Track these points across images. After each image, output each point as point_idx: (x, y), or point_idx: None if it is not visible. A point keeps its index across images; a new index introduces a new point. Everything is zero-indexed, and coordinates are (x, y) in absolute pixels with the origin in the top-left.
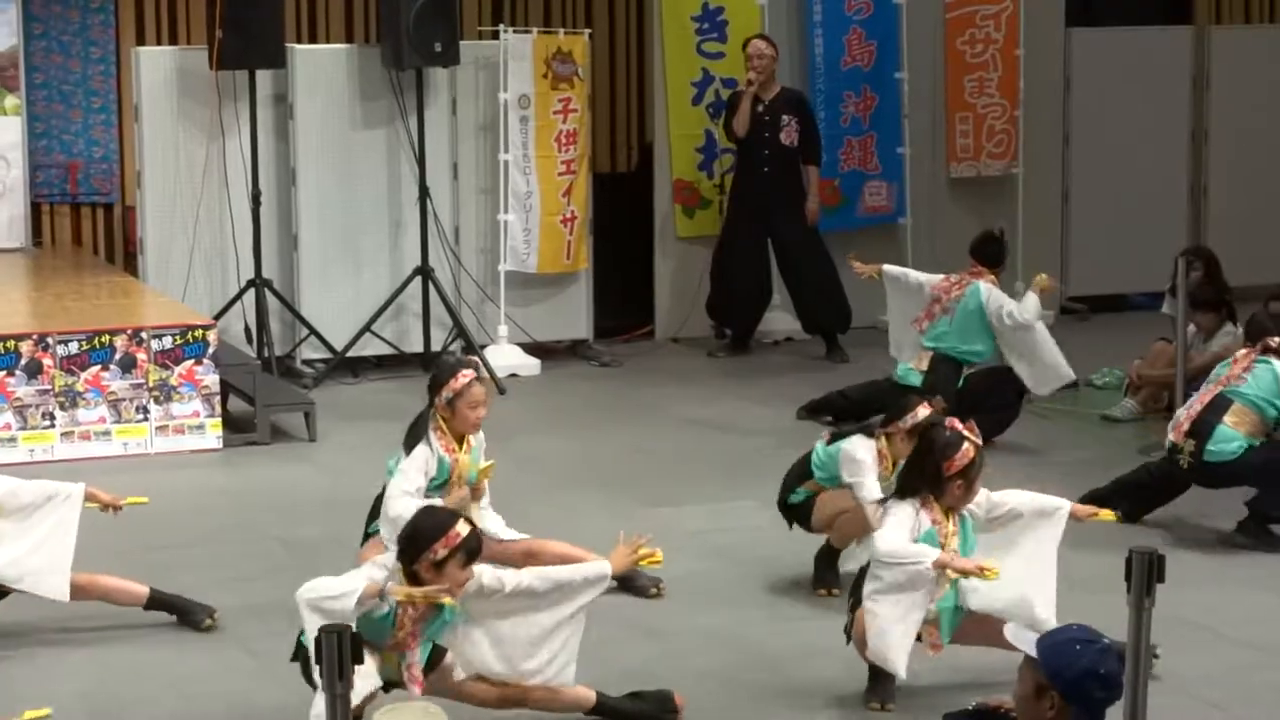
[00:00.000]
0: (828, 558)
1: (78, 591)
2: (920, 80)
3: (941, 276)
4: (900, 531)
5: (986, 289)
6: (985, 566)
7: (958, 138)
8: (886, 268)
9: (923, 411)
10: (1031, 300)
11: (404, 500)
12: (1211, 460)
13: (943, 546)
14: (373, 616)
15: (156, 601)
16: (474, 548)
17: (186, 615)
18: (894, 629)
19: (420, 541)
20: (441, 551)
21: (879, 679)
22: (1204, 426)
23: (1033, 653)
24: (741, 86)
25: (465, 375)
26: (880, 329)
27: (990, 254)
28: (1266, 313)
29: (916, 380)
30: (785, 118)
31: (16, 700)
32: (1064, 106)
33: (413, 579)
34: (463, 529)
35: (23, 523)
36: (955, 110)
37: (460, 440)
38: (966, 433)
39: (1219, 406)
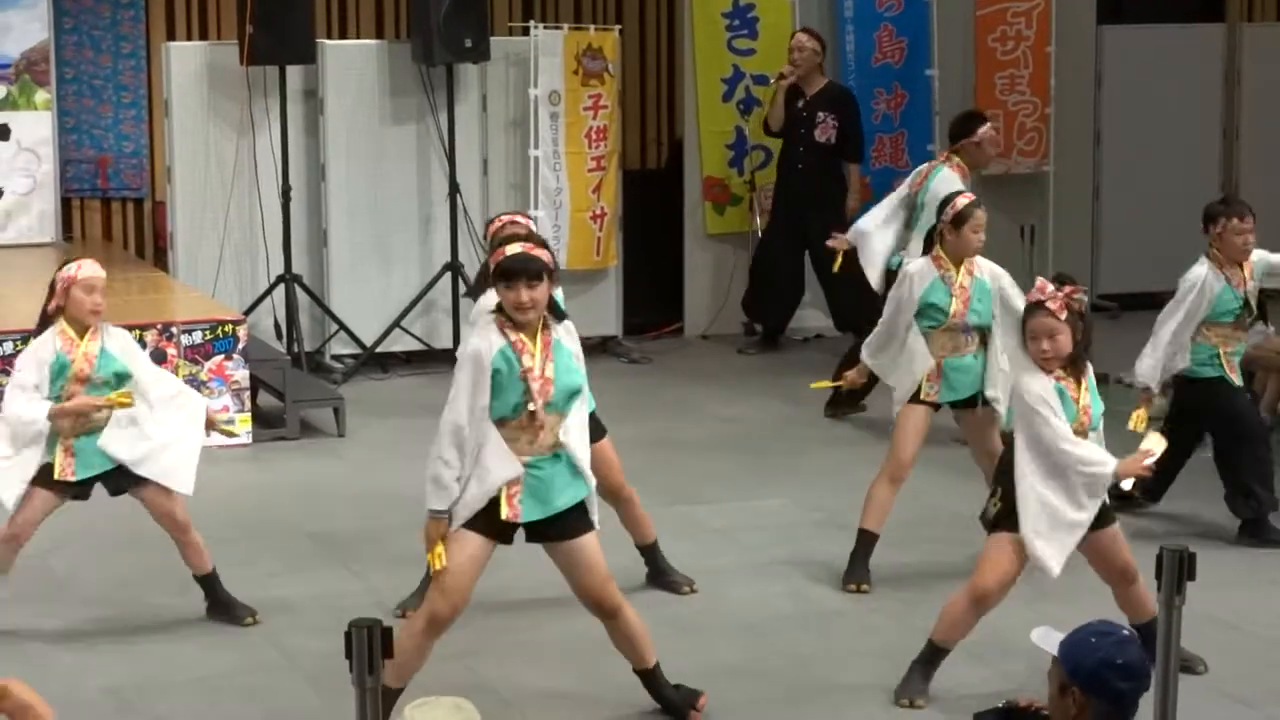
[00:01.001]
0: (863, 551)
1: (173, 520)
2: (951, 77)
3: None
4: (1066, 425)
5: (944, 175)
6: (1150, 463)
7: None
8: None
9: (962, 201)
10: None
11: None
12: (1189, 376)
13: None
14: None
15: (210, 581)
16: None
17: (229, 609)
18: (1059, 532)
19: None
20: None
21: (912, 677)
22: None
23: (1055, 652)
24: (778, 79)
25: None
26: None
27: (955, 128)
28: None
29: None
30: (822, 114)
31: (44, 696)
32: (1095, 104)
33: None
34: None
35: (158, 414)
36: (986, 107)
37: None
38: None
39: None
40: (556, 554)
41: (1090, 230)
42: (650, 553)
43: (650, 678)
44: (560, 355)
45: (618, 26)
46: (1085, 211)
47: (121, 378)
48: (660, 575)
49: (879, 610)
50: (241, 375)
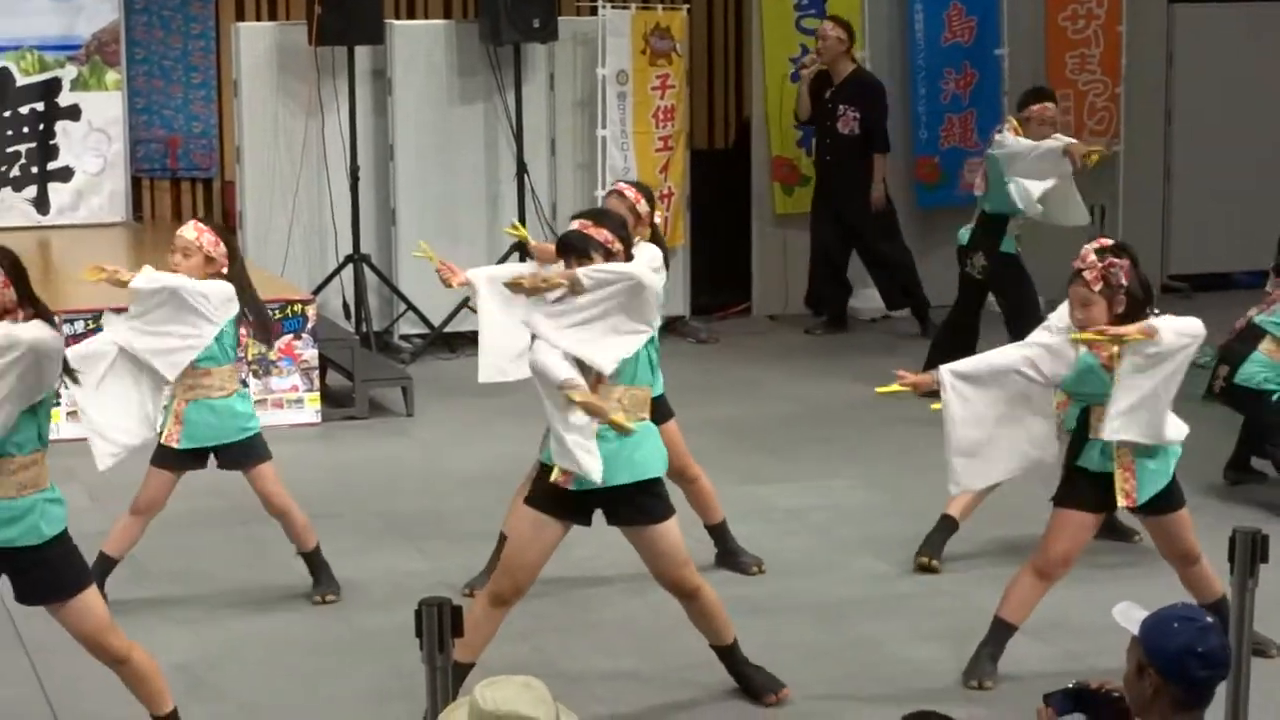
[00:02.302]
0: (941, 534)
1: (279, 504)
2: (1021, 57)
3: None
4: None
5: (1002, 136)
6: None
7: (1059, 115)
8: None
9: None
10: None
11: None
12: (1239, 384)
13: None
14: None
15: (312, 557)
16: None
17: (318, 583)
18: None
19: None
20: None
21: (980, 658)
22: (1234, 355)
23: (1137, 631)
24: (801, 68)
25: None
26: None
27: (1020, 100)
28: None
29: (965, 237)
30: (843, 106)
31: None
32: (1166, 83)
33: None
34: None
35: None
36: (1056, 87)
37: None
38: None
39: (1250, 335)
40: (634, 538)
41: (1161, 211)
42: (718, 533)
43: (729, 655)
44: None
45: (685, 6)
46: (1156, 192)
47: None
48: (729, 555)
49: (946, 591)
50: (310, 355)
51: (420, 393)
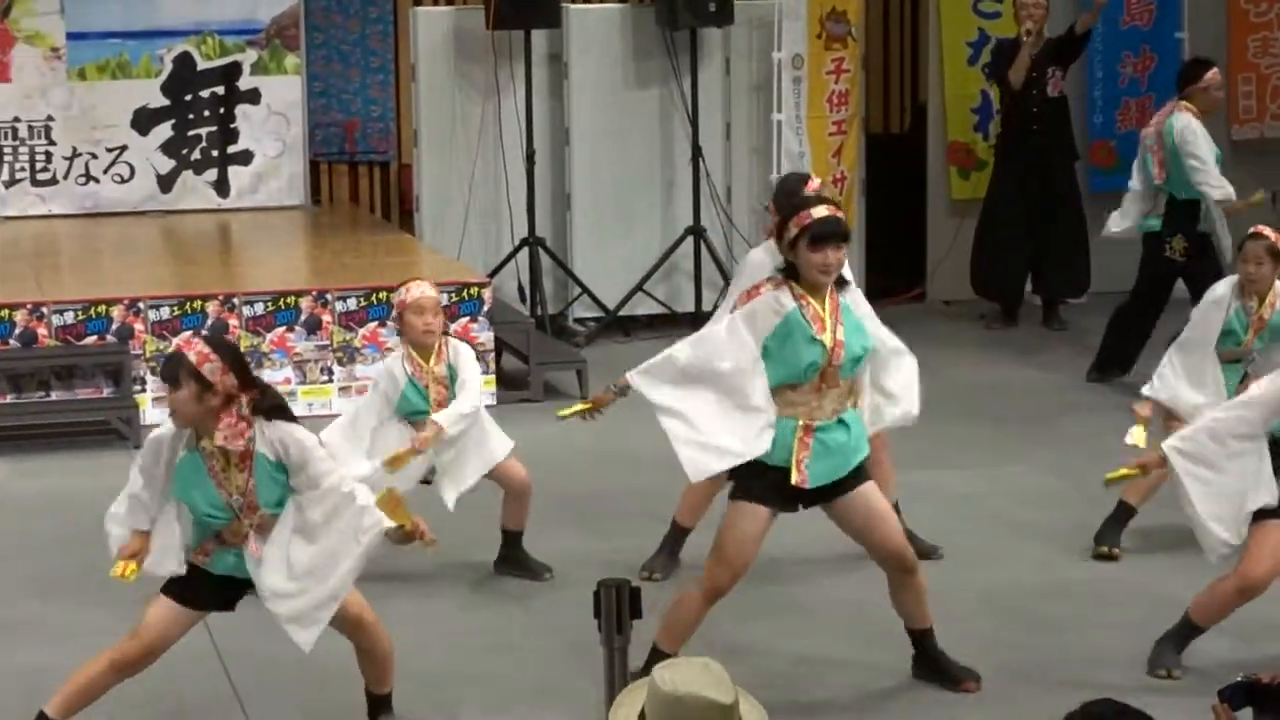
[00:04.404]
0: (1122, 517)
1: (513, 477)
2: (1201, 40)
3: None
4: None
5: (1182, 120)
6: None
7: (1240, 99)
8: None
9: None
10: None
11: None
12: None
13: None
14: None
15: (514, 538)
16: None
17: (527, 566)
18: None
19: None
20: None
21: (1164, 648)
22: None
23: None
24: (1019, 37)
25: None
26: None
27: (1182, 76)
28: None
29: (1157, 224)
30: (1051, 69)
31: (293, 654)
32: None
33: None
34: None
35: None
36: (1238, 71)
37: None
38: None
39: None
40: (841, 511)
41: None
42: None
43: (926, 639)
44: (849, 319)
45: None
46: None
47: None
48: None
49: (1122, 579)
50: (486, 337)
51: (594, 376)
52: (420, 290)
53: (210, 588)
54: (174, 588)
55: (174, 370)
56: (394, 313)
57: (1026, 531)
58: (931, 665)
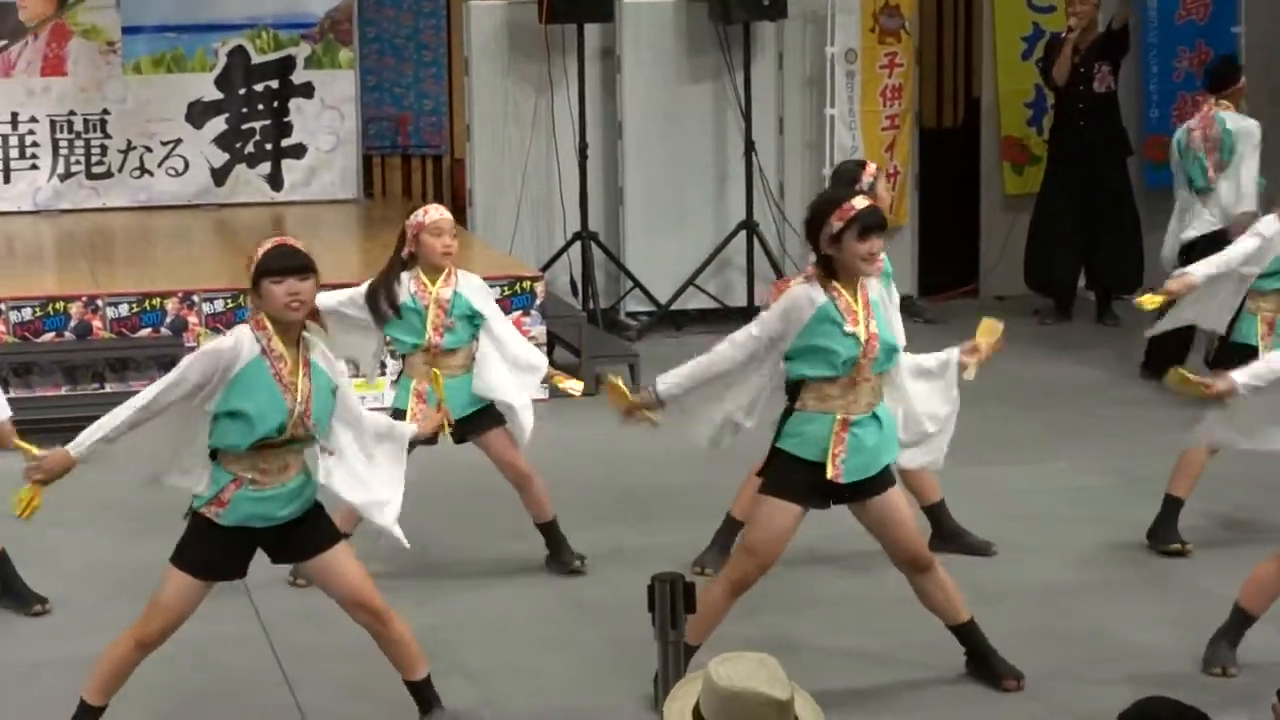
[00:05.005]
0: (1173, 513)
1: (515, 469)
2: (1258, 34)
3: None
4: None
5: (1234, 118)
6: None
7: None
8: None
9: None
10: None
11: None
12: None
13: None
14: None
15: (549, 529)
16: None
17: (559, 555)
18: None
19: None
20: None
21: (1218, 645)
22: None
23: None
24: (1063, 32)
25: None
26: None
27: (1219, 76)
28: None
29: None
30: (1098, 65)
31: (346, 644)
32: None
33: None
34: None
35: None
36: None
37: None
38: None
39: None
40: (866, 511)
41: None
42: (937, 513)
43: (968, 632)
44: (878, 312)
45: None
46: None
47: (473, 319)
48: (951, 537)
49: (1173, 574)
50: (539, 331)
51: (646, 370)
52: (438, 213)
53: (220, 550)
54: (183, 559)
55: (305, 260)
56: (409, 235)
57: (1078, 527)
58: (976, 659)
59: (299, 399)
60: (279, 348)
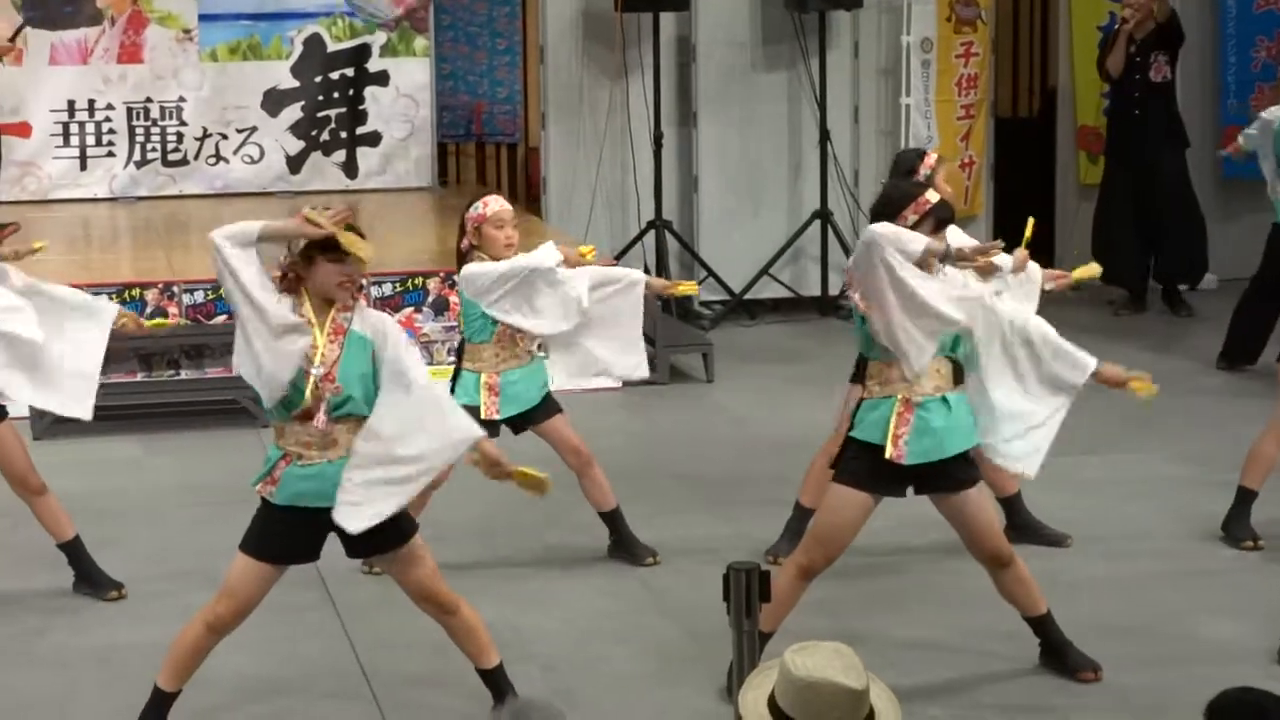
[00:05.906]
0: (1241, 508)
1: (577, 454)
2: None
3: None
4: None
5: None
6: None
7: None
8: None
9: None
10: None
11: None
12: None
13: None
14: None
15: (612, 518)
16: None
17: (630, 549)
18: None
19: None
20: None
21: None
22: None
23: None
24: (1121, 24)
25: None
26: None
27: None
28: None
29: None
30: (1154, 54)
31: (419, 638)
32: None
33: None
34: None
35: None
36: None
37: None
38: None
39: None
40: (946, 505)
41: None
42: (1012, 506)
43: (1044, 625)
44: None
45: None
46: None
47: None
48: (1026, 529)
49: (1249, 568)
50: None
51: (720, 359)
52: (499, 204)
53: (279, 531)
54: (247, 542)
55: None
56: (470, 227)
57: (1153, 519)
58: (1052, 653)
59: (317, 363)
60: (308, 313)
